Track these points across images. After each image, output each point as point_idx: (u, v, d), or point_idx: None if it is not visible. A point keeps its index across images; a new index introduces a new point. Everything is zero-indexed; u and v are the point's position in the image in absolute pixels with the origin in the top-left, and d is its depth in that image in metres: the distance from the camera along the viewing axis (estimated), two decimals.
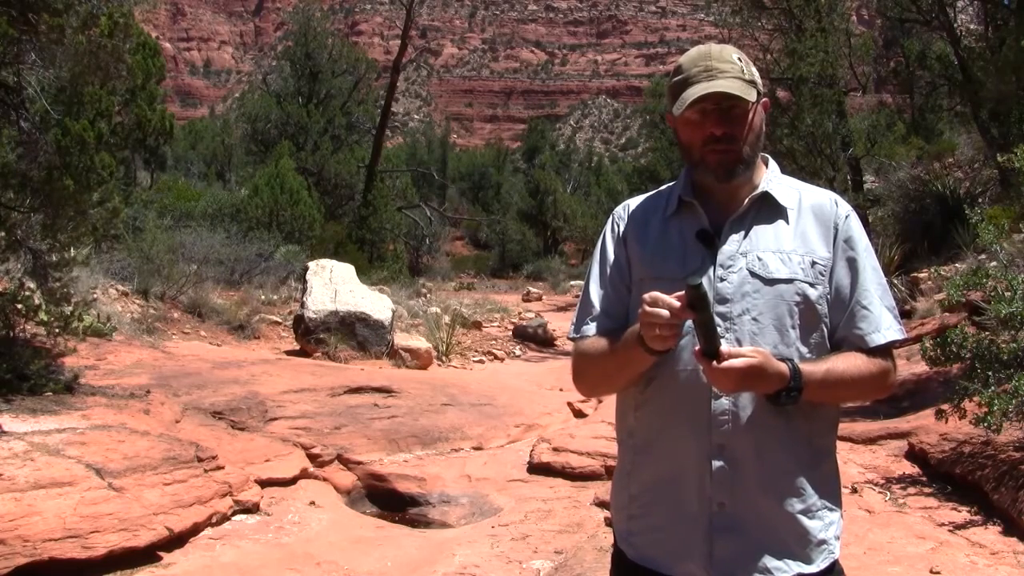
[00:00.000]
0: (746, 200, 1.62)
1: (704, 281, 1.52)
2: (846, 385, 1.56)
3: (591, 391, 1.83)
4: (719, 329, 1.49)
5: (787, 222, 1.62)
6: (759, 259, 1.57)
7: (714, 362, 1.43)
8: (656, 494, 1.59)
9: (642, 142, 67.15)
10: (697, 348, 1.45)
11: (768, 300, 1.55)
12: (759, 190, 1.63)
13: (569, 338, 1.75)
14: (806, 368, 1.51)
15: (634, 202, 1.75)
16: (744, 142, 1.58)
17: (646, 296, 1.46)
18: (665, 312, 1.43)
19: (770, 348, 1.52)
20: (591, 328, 1.69)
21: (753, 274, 1.56)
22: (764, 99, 1.63)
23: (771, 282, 1.56)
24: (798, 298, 1.56)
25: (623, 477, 1.68)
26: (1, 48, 5.47)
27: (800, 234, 1.61)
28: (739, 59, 1.60)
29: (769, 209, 1.63)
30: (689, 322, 1.46)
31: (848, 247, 1.62)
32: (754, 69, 1.62)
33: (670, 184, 1.74)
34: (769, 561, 1.53)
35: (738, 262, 1.57)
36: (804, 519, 1.55)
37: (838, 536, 1.60)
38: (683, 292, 1.41)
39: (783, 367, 1.48)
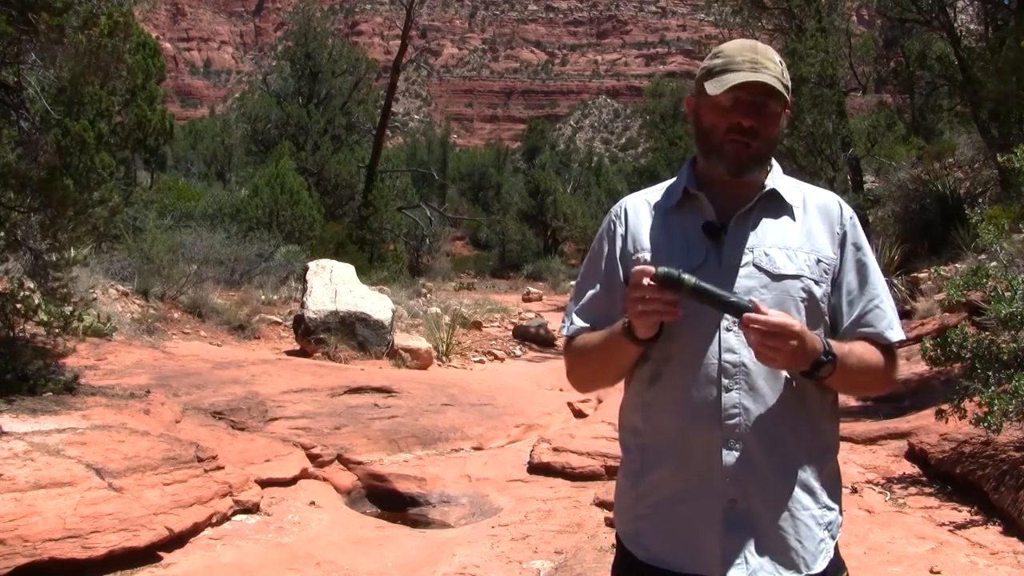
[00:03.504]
0: (754, 196, 1.62)
1: (707, 275, 1.53)
2: (862, 371, 1.57)
3: (583, 386, 1.83)
4: (726, 322, 1.51)
5: (793, 219, 1.63)
6: (766, 254, 1.58)
7: (745, 316, 1.43)
8: (666, 493, 1.58)
9: (642, 142, 67.27)
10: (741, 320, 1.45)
11: (775, 295, 1.56)
12: (767, 187, 1.63)
13: (560, 333, 1.76)
14: (832, 342, 1.53)
15: (633, 198, 1.75)
16: (765, 141, 1.59)
17: (629, 287, 1.47)
18: (646, 280, 1.44)
19: None
20: (582, 324, 1.70)
21: (760, 269, 1.57)
22: (787, 109, 1.64)
23: (778, 277, 1.57)
24: (804, 295, 1.57)
25: (629, 477, 1.66)
26: (1, 48, 5.47)
27: (806, 232, 1.62)
28: (779, 61, 1.60)
29: (776, 206, 1.63)
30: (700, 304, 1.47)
31: (856, 249, 1.64)
32: (788, 75, 1.62)
33: (669, 180, 1.74)
34: (778, 557, 1.53)
35: (745, 257, 1.58)
36: (811, 515, 1.56)
37: (835, 536, 1.61)
38: (684, 288, 1.44)
39: (814, 334, 1.49)
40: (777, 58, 1.60)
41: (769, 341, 1.42)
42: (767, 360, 1.46)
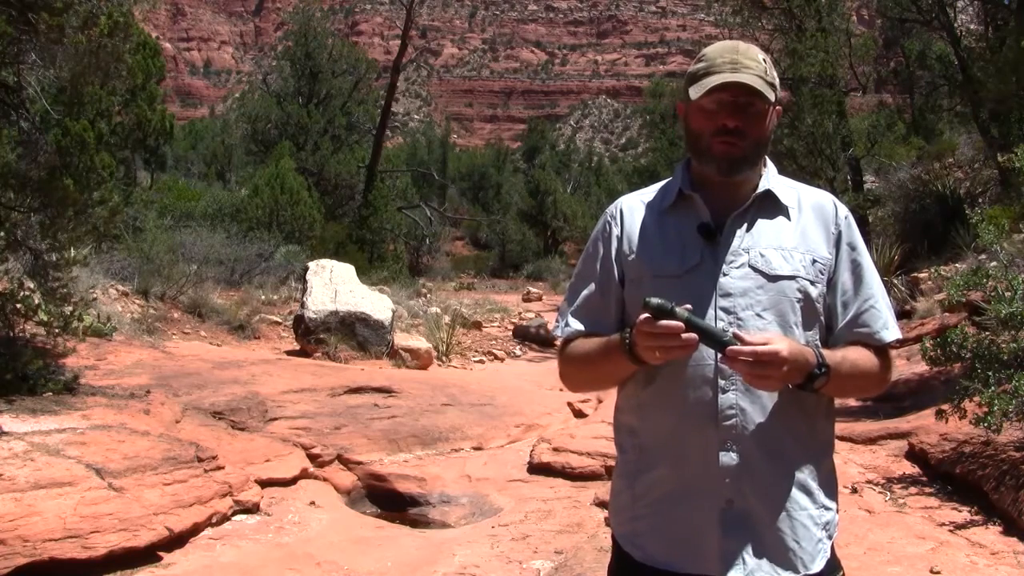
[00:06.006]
0: (749, 197, 1.62)
1: (703, 276, 1.55)
2: (857, 376, 1.58)
3: (576, 389, 1.85)
4: (722, 323, 1.52)
5: (788, 219, 1.63)
6: (761, 255, 1.58)
7: (728, 349, 1.41)
8: (663, 493, 1.59)
9: (642, 142, 67.19)
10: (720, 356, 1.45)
11: (771, 296, 1.56)
12: (761, 188, 1.63)
13: (553, 336, 1.76)
14: (825, 352, 1.53)
15: (628, 199, 1.74)
16: (753, 141, 1.58)
17: (642, 323, 1.44)
18: (671, 343, 1.41)
19: None
20: (577, 326, 1.69)
21: (755, 270, 1.57)
22: (778, 107, 1.62)
23: (773, 278, 1.57)
24: (800, 295, 1.57)
25: (625, 478, 1.66)
26: (1, 48, 5.47)
27: (801, 232, 1.62)
28: (763, 59, 1.59)
29: (771, 207, 1.63)
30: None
31: (851, 249, 1.64)
32: (775, 73, 1.61)
33: (664, 181, 1.73)
34: (776, 557, 1.53)
35: (740, 257, 1.58)
36: (809, 515, 1.56)
37: (832, 536, 1.61)
38: (677, 320, 1.41)
39: (806, 348, 1.50)
40: (761, 56, 1.59)
41: (758, 370, 1.41)
42: (759, 386, 1.46)
